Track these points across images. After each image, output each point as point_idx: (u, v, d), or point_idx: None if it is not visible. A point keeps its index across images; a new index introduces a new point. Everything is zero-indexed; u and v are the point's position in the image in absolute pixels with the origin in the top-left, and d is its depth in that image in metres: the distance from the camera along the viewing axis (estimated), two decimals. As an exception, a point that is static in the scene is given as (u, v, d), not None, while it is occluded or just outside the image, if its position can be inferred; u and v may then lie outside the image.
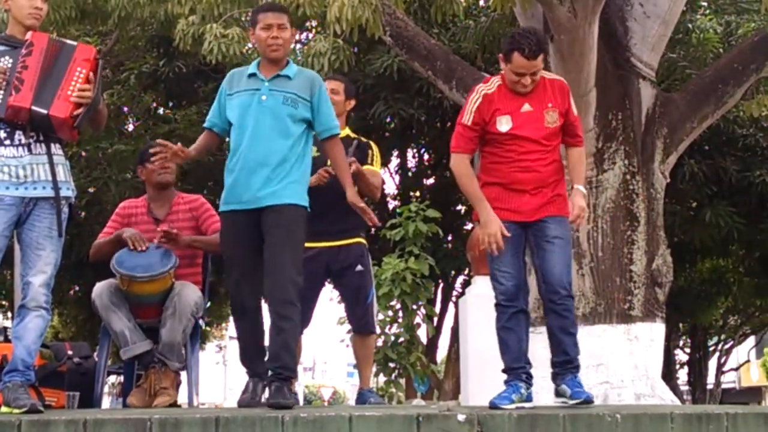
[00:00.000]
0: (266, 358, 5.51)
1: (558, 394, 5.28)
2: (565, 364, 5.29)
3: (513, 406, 5.00)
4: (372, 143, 6.87)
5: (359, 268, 6.55)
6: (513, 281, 5.30)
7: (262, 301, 5.63)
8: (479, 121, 5.32)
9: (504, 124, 5.30)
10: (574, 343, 5.31)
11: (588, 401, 5.03)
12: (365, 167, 6.57)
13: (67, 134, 5.21)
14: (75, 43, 5.32)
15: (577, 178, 5.46)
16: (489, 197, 5.34)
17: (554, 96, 5.36)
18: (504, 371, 5.36)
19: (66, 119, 5.05)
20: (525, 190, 5.31)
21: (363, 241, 6.66)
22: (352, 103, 6.89)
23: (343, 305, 7.04)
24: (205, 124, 5.82)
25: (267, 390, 5.37)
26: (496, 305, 5.37)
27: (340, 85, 6.79)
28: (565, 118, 5.40)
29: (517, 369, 5.31)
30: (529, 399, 5.29)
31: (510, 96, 5.35)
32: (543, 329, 8.36)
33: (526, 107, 5.32)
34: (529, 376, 5.37)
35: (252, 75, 5.62)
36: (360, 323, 6.70)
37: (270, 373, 5.32)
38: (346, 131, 6.80)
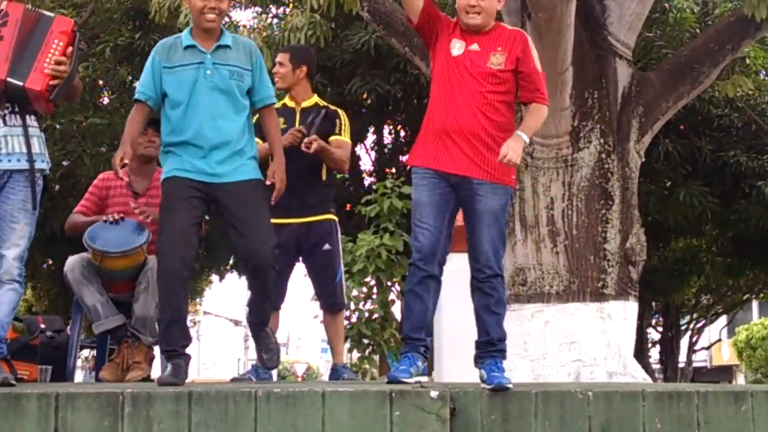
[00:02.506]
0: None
1: (480, 377, 5.02)
2: (486, 345, 5.08)
3: (413, 379, 4.92)
4: (341, 112, 6.75)
5: (327, 246, 6.49)
6: (430, 239, 5.10)
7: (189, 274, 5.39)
8: (436, 18, 5.31)
9: (457, 49, 5.21)
10: (497, 323, 5.09)
11: (500, 387, 4.65)
12: (333, 138, 6.52)
13: (43, 107, 5.18)
14: (53, 14, 5.28)
15: (523, 126, 5.19)
16: (419, 141, 5.28)
17: (506, 41, 5.21)
18: (403, 338, 5.23)
19: (42, 92, 5.01)
20: (454, 141, 5.12)
21: (333, 216, 6.62)
22: (305, 69, 6.64)
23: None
24: (137, 96, 5.43)
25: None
26: (410, 264, 5.20)
27: (284, 56, 6.65)
28: (518, 66, 5.19)
29: (415, 340, 5.15)
30: (424, 372, 5.21)
31: (463, 33, 5.26)
32: (515, 306, 8.43)
33: (474, 46, 5.21)
34: (427, 349, 5.19)
35: (190, 47, 5.38)
36: (329, 301, 6.68)
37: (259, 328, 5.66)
38: (315, 99, 6.73)
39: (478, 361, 5.10)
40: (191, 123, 5.27)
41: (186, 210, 5.23)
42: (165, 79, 5.33)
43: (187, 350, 5.33)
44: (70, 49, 5.10)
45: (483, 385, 4.78)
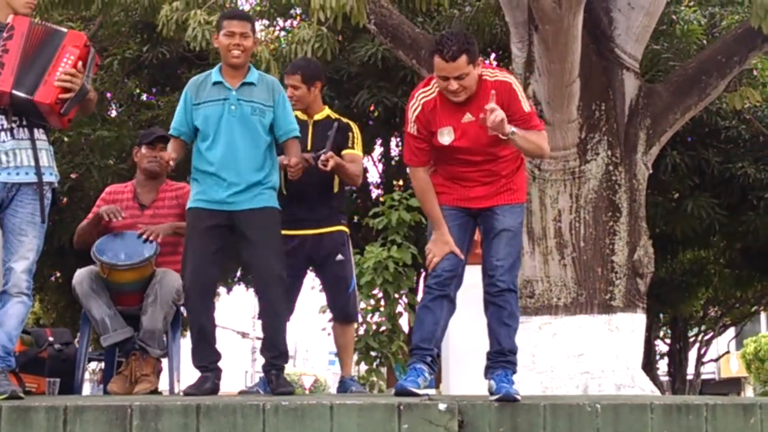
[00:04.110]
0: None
1: (488, 389, 5.04)
2: (497, 355, 5.13)
3: (421, 390, 4.92)
4: (353, 124, 6.74)
5: (339, 257, 6.52)
6: (449, 268, 5.21)
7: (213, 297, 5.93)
8: (422, 131, 5.22)
9: (446, 136, 5.18)
10: (509, 335, 5.15)
11: (508, 398, 4.69)
12: (346, 151, 6.52)
13: (57, 122, 5.16)
14: (65, 29, 5.27)
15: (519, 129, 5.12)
16: (439, 183, 5.32)
17: (496, 101, 5.04)
18: (411, 350, 5.26)
19: (51, 105, 5.01)
20: (472, 186, 5.26)
21: (345, 228, 6.63)
22: (319, 84, 6.65)
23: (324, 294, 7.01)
24: (171, 132, 5.89)
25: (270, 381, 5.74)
26: (426, 286, 5.28)
27: (295, 78, 6.58)
28: (510, 116, 5.05)
29: (423, 350, 5.17)
30: (432, 385, 5.24)
31: (451, 105, 5.16)
32: (523, 318, 8.41)
33: (468, 117, 5.13)
34: (434, 360, 5.21)
35: (217, 83, 5.75)
36: (341, 312, 6.69)
37: (266, 363, 5.75)
38: (326, 111, 6.74)
39: (489, 371, 5.14)
40: (215, 155, 5.64)
41: (204, 239, 5.65)
42: (195, 114, 5.74)
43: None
44: (81, 63, 5.10)
45: (491, 397, 4.79)
